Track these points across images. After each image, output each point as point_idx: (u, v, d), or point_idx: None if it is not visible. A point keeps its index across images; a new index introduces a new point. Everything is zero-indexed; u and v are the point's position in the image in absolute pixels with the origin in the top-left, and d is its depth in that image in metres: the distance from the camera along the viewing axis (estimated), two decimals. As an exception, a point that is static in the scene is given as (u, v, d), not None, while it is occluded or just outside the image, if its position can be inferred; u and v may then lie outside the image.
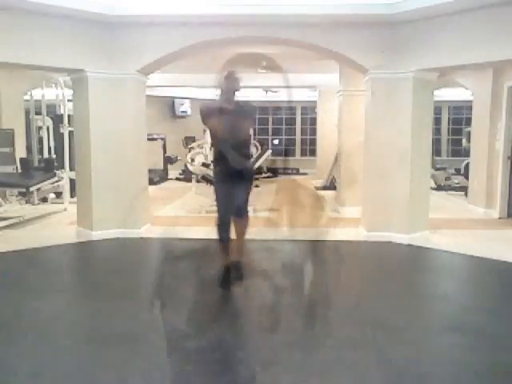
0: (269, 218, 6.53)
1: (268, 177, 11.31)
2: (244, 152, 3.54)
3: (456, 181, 9.32)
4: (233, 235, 3.57)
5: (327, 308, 3.24)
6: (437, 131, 12.39)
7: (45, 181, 6.70)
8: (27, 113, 8.29)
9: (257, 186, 9.50)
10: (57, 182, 7.08)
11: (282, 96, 13.46)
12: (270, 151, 8.60)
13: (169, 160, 11.71)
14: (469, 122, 7.35)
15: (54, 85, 7.98)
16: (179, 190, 9.60)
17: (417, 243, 4.98)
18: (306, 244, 5.15)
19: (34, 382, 2.23)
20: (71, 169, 7.13)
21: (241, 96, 3.50)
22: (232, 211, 3.50)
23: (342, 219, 6.35)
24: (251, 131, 3.76)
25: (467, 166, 7.89)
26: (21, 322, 2.97)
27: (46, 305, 3.27)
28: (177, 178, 11.78)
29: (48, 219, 6.32)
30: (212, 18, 4.80)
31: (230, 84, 3.40)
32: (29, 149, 8.32)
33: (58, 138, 7.90)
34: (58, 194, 7.65)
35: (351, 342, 2.69)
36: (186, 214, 6.83)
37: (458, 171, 9.37)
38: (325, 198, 8.28)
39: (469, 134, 8.26)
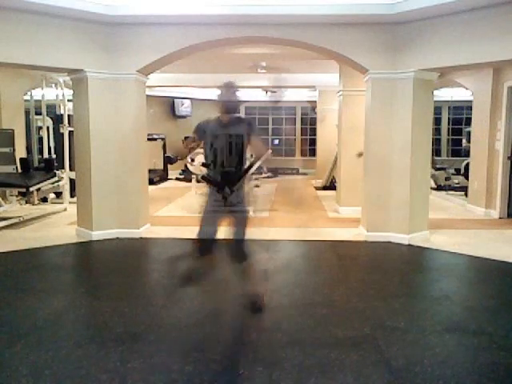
0: (268, 217, 6.54)
1: (268, 177, 11.31)
2: (239, 169, 3.19)
3: (456, 181, 9.31)
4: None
5: (327, 308, 3.24)
6: (437, 131, 12.37)
7: (45, 181, 6.70)
8: (27, 113, 8.28)
9: (257, 186, 9.51)
10: (57, 181, 7.08)
11: (281, 96, 13.46)
12: (270, 151, 8.58)
13: (169, 160, 11.70)
14: (469, 121, 7.34)
15: (53, 85, 7.98)
16: (179, 190, 9.61)
17: (417, 243, 4.99)
18: (306, 244, 5.16)
19: (33, 382, 2.23)
20: (71, 169, 7.14)
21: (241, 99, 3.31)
22: (217, 233, 3.10)
23: (342, 219, 6.35)
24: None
25: (467, 166, 7.89)
26: (21, 321, 2.97)
27: (46, 305, 3.27)
28: (177, 178, 11.80)
29: (48, 219, 6.33)
30: (212, 18, 4.80)
31: (227, 98, 3.08)
32: (29, 149, 8.32)
33: (58, 138, 7.91)
34: (58, 194, 7.66)
35: (351, 341, 2.69)
36: (185, 213, 6.83)
37: (457, 171, 9.37)
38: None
39: (469, 133, 8.26)
